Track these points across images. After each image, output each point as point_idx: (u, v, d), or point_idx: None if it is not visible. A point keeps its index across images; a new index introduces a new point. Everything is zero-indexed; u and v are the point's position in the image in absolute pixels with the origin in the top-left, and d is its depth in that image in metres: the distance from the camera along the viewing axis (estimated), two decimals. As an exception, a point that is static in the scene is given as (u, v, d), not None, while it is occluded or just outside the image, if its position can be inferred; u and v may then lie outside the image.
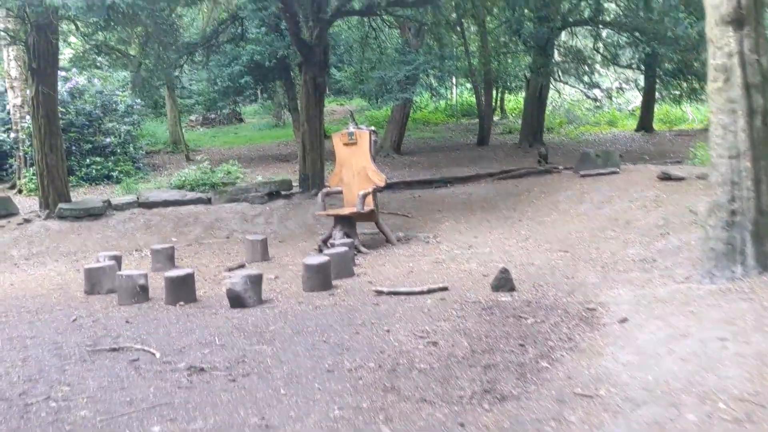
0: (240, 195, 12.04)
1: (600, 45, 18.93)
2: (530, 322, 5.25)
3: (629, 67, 19.19)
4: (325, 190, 9.41)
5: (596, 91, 29.80)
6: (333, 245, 8.65)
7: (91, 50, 22.93)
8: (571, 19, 17.55)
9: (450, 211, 10.90)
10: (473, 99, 30.66)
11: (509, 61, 25.36)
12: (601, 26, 17.72)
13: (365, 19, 21.47)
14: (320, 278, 6.93)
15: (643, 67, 17.85)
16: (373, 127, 9.38)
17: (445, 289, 6.48)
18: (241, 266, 8.60)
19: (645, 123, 23.59)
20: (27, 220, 11.21)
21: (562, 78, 20.67)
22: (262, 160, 20.00)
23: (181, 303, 6.72)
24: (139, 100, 18.43)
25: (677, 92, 22.61)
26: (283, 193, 12.20)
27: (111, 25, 11.84)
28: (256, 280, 6.56)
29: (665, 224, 7.84)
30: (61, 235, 10.72)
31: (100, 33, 17.62)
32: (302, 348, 5.01)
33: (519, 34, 16.86)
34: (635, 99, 29.41)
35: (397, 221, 10.53)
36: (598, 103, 29.24)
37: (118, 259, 8.39)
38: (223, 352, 5.03)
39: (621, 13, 16.94)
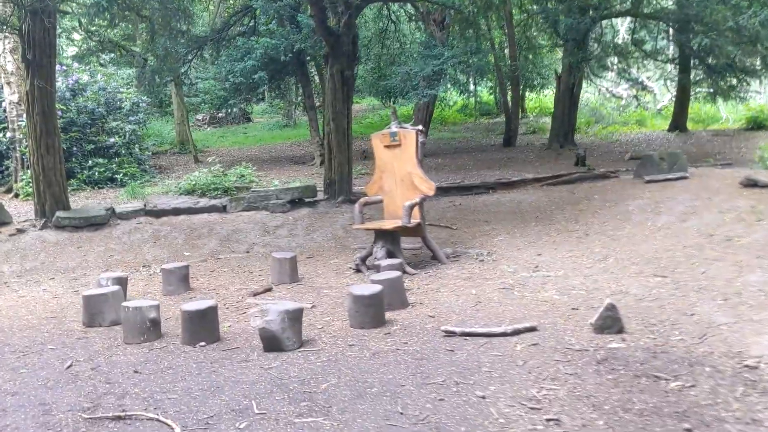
0: (259, 202, 10.74)
1: (642, 37, 17.54)
2: (675, 387, 3.93)
3: (671, 61, 17.82)
4: (362, 200, 8.09)
5: (622, 90, 28.55)
6: (376, 265, 7.36)
7: (95, 47, 21.69)
8: (611, 9, 16.20)
9: (500, 223, 9.58)
10: (491, 98, 29.45)
11: (533, 57, 24.11)
12: (645, 18, 16.38)
13: (385, 11, 20.23)
14: (372, 312, 5.62)
15: (678, 62, 16.41)
16: (420, 126, 8.06)
17: (533, 329, 5.17)
18: (268, 290, 7.30)
19: (678, 122, 22.23)
20: (20, 230, 9.95)
21: (598, 73, 19.30)
22: (275, 162, 18.71)
23: (202, 343, 5.41)
24: (145, 97, 17.12)
25: (712, 90, 21.29)
26: (306, 200, 10.91)
27: (115, 13, 10.58)
28: (295, 317, 5.25)
29: (781, 243, 6.53)
30: (59, 248, 9.44)
31: (102, 27, 16.46)
32: (372, 424, 3.71)
33: (556, 26, 15.50)
34: (663, 98, 28.10)
35: (440, 234, 9.22)
36: (624, 102, 27.96)
37: (123, 282, 7.09)
38: (266, 427, 3.73)
39: (668, 2, 15.57)
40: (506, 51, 22.29)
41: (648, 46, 17.80)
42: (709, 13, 12.45)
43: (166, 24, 10.22)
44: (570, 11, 14.54)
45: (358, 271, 7.83)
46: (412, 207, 7.56)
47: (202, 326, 5.46)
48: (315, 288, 7.28)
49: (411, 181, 7.83)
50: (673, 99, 26.83)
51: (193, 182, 12.78)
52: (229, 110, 23.41)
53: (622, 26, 19.34)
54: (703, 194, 8.72)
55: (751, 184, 8.82)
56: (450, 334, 5.20)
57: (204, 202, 10.92)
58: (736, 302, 5.39)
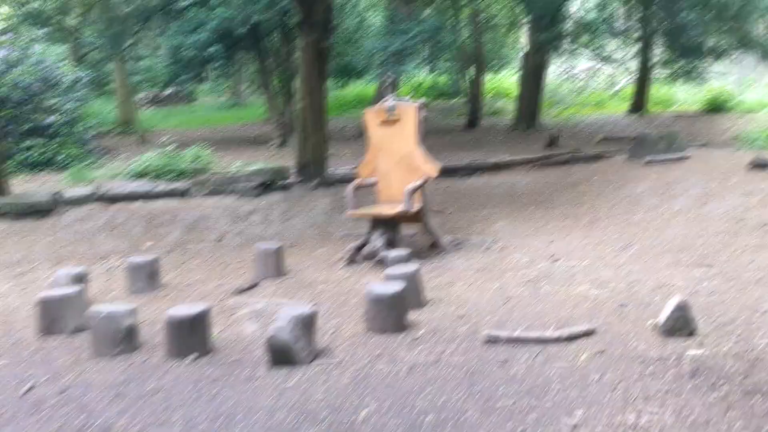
0: (226, 186, 9.70)
1: (611, 14, 17.04)
2: (805, 409, 3.23)
3: (639, 40, 17.39)
4: (355, 182, 7.20)
5: (579, 71, 28.21)
6: (379, 256, 6.51)
7: (24, 20, 19.93)
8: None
9: (497, 207, 8.84)
10: (443, 78, 28.68)
11: (492, 37, 23.50)
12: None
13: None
14: (394, 314, 4.77)
15: (667, 41, 15.97)
16: (422, 99, 7.19)
17: (590, 333, 4.42)
18: (254, 286, 6.36)
19: (639, 104, 21.93)
20: (-49, 219, 8.67)
21: (572, 51, 18.76)
22: (228, 143, 17.49)
23: (193, 356, 4.47)
24: (88, 72, 15.71)
25: (673, 71, 21.06)
26: (279, 183, 9.91)
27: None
28: (308, 323, 4.36)
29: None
30: (-2, 240, 8.24)
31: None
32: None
33: (527, 2, 14.80)
34: (620, 80, 27.89)
35: (433, 220, 8.39)
36: (582, 83, 27.62)
37: (83, 279, 6.04)
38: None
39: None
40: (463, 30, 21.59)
41: (617, 25, 17.31)
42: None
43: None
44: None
45: (352, 262, 6.96)
46: (414, 190, 6.73)
47: (192, 335, 4.52)
48: (307, 283, 6.38)
49: (411, 161, 6.98)
50: (630, 82, 26.67)
51: (145, 164, 11.60)
52: (180, 88, 21.95)
53: (589, 2, 18.81)
54: (715, 176, 8.16)
55: (760, 164, 8.31)
56: (493, 340, 4.40)
57: (163, 186, 9.80)
58: (810, 297, 4.77)
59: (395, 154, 7.06)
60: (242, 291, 6.22)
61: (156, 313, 5.61)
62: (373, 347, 4.49)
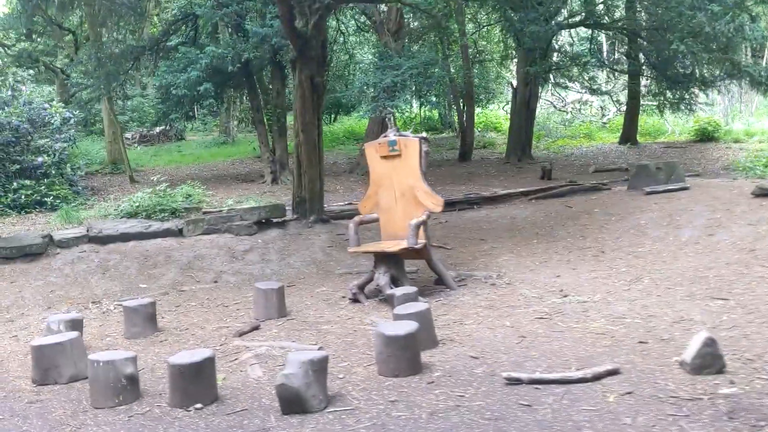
0: (221, 224, 9.49)
1: (597, 47, 17.16)
2: None
3: (627, 72, 17.49)
4: (357, 219, 7.03)
5: (567, 104, 28.44)
6: (386, 294, 6.33)
7: (12, 62, 19.83)
8: (573, 18, 15.75)
9: (498, 241, 8.68)
10: (435, 112, 28.85)
11: (480, 70, 23.62)
12: (608, 28, 15.99)
13: (333, 22, 19.27)
14: (408, 356, 4.57)
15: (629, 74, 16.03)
16: (424, 134, 7.07)
17: (615, 372, 4.23)
18: (255, 328, 6.14)
19: (629, 135, 22.01)
20: (-62, 264, 8.40)
21: (562, 84, 18.84)
22: (219, 181, 17.33)
23: (198, 405, 4.23)
24: (77, 112, 15.55)
25: (661, 102, 21.20)
26: (275, 221, 9.72)
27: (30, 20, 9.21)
28: (320, 368, 4.15)
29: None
30: (-13, 284, 7.97)
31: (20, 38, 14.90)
32: None
33: (519, 34, 14.83)
34: (608, 111, 28.09)
35: (436, 255, 8.22)
36: (569, 116, 27.81)
37: (78, 325, 5.80)
38: None
39: (639, 9, 15.12)
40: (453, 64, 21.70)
41: (606, 57, 17.41)
42: (685, 19, 12.00)
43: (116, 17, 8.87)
44: (535, 19, 13.90)
45: (355, 301, 6.75)
46: (419, 225, 6.56)
47: (197, 383, 4.29)
48: (310, 323, 6.16)
49: (413, 195, 6.83)
50: (618, 113, 26.86)
51: (136, 204, 11.37)
52: (169, 126, 21.82)
53: (576, 36, 18.95)
54: (719, 206, 8.06)
55: (764, 193, 8.22)
56: (514, 382, 4.21)
57: (156, 225, 9.57)
58: (835, 330, 4.61)
59: (397, 189, 6.91)
60: (243, 334, 6.00)
61: (155, 359, 5.39)
62: (387, 392, 4.28)
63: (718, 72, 14.72)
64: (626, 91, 21.59)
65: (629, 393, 3.91)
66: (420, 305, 5.26)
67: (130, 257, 8.65)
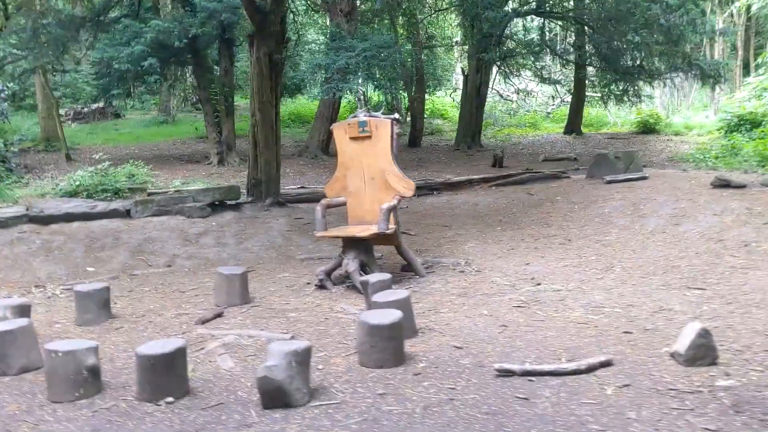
0: (172, 206, 9.05)
1: (552, 36, 17.22)
2: None
3: (588, 64, 17.63)
4: (324, 202, 6.74)
5: (511, 93, 28.64)
6: (360, 281, 6.09)
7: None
8: (528, 6, 15.73)
9: (463, 227, 8.53)
10: (383, 97, 28.62)
11: (428, 57, 23.48)
12: (562, 18, 16.02)
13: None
14: (392, 347, 4.35)
15: (604, 63, 16.19)
16: (396, 115, 6.81)
17: (608, 363, 4.12)
18: (219, 315, 5.80)
19: (574, 125, 22.30)
20: None
21: (513, 72, 18.85)
22: (162, 161, 16.66)
23: (169, 399, 3.91)
24: (10, 84, 14.65)
25: (606, 93, 21.55)
26: (229, 203, 9.33)
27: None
28: (304, 359, 3.89)
29: (812, 249, 5.91)
30: None
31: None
32: None
33: (475, 20, 14.72)
34: (552, 102, 28.42)
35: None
36: (515, 105, 28.04)
37: (26, 311, 5.35)
38: None
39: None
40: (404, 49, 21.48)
41: (559, 47, 17.51)
42: (641, 10, 12.09)
43: None
44: (492, 4, 13.82)
45: (322, 287, 6.48)
46: (390, 210, 6.33)
47: (168, 376, 3.96)
48: (277, 311, 5.87)
49: (384, 179, 6.59)
50: (562, 104, 27.21)
51: (77, 183, 10.76)
52: (108, 103, 20.90)
53: (529, 25, 18.97)
54: (681, 196, 8.11)
55: (723, 184, 8.33)
56: (506, 373, 4.04)
57: (103, 206, 9.04)
58: (819, 321, 4.62)
59: (367, 172, 6.65)
60: (206, 321, 5.66)
61: (113, 349, 5.02)
62: (373, 384, 4.05)
63: (668, 64, 14.94)
64: (573, 81, 21.81)
65: (627, 385, 3.79)
66: (399, 293, 5.03)
67: (75, 239, 8.14)
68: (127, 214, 8.99)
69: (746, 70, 25.10)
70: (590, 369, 4.03)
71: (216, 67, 16.45)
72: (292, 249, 8.12)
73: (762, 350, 4.22)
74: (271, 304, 6.11)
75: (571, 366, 4.04)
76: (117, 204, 9.16)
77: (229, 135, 15.84)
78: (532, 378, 3.97)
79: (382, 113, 6.85)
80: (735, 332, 4.55)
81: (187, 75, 19.22)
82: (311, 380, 4.04)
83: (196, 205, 9.04)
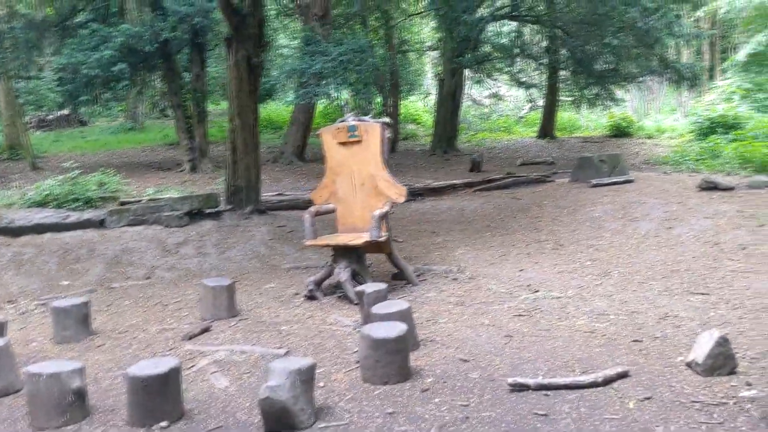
0: (149, 215, 8.72)
1: (526, 40, 17.20)
2: None
3: (563, 68, 17.64)
4: (313, 209, 6.50)
5: (484, 98, 28.68)
6: (340, 289, 5.86)
7: None
8: (502, 12, 15.67)
9: (450, 233, 8.36)
10: (357, 102, 28.37)
11: (402, 62, 23.36)
12: (537, 23, 15.99)
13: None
14: (398, 361, 4.13)
15: (578, 67, 16.21)
16: (387, 118, 6.60)
17: (625, 375, 3.95)
18: (206, 330, 5.53)
19: (547, 129, 22.35)
20: None
21: (492, 75, 18.79)
22: (132, 169, 16.23)
23: (163, 424, 3.65)
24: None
25: (573, 98, 21.65)
26: (208, 211, 9.02)
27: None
28: (308, 378, 3.66)
29: (812, 251, 5.85)
30: None
31: None
32: None
33: (452, 24, 14.57)
34: (524, 106, 28.51)
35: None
36: (488, 110, 28.08)
37: (1, 329, 5.03)
38: None
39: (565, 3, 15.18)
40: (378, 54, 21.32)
41: (535, 51, 17.49)
42: (618, 13, 12.09)
43: None
44: (468, 8, 13.71)
45: (311, 298, 6.24)
46: (383, 216, 6.12)
47: (162, 398, 3.69)
48: (267, 324, 5.61)
49: (374, 185, 6.38)
50: (533, 109, 27.31)
51: (45, 192, 10.33)
52: (74, 110, 20.34)
53: (502, 29, 18.94)
54: (671, 199, 8.04)
55: (711, 187, 8.29)
56: (520, 388, 3.85)
57: (75, 216, 8.68)
58: (832, 325, 4.52)
59: (357, 178, 6.44)
60: (193, 336, 5.39)
61: (97, 368, 4.72)
62: (381, 402, 3.83)
63: (643, 68, 15.00)
64: (546, 85, 21.85)
65: (648, 398, 3.63)
66: (399, 303, 4.82)
67: (47, 251, 7.78)
68: (101, 224, 8.64)
69: (711, 73, 25.46)
70: (607, 381, 3.86)
71: (186, 73, 16.08)
72: (276, 258, 7.85)
73: (779, 358, 4.09)
74: (260, 316, 5.85)
75: (588, 379, 3.86)
76: (90, 214, 8.80)
77: (201, 141, 15.49)
78: (548, 392, 3.79)
79: (371, 117, 6.62)
80: (748, 339, 4.43)
81: (157, 80, 18.75)
82: (315, 399, 3.81)
83: (174, 214, 8.71)
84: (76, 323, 5.44)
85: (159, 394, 3.68)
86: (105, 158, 18.74)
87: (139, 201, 9.82)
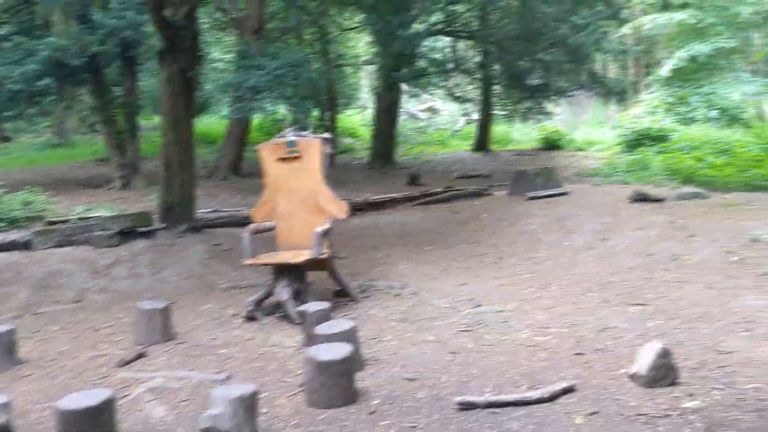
0: (78, 235, 8.36)
1: (460, 55, 17.43)
2: None
3: (496, 83, 17.93)
4: (252, 227, 6.35)
5: (418, 111, 28.94)
6: (281, 309, 5.73)
7: None
8: (437, 27, 15.84)
9: (391, 248, 8.32)
10: (291, 116, 28.19)
11: (337, 76, 23.37)
12: (470, 38, 16.23)
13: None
14: (344, 383, 4.04)
15: (512, 82, 16.52)
16: (327, 134, 6.52)
17: (571, 390, 3.96)
18: (141, 356, 5.30)
19: (482, 143, 22.68)
20: None
21: (427, 90, 18.93)
22: (60, 186, 15.61)
23: (97, 460, 3.45)
24: None
25: (507, 111, 22.09)
26: (140, 230, 8.72)
27: None
28: (250, 405, 3.53)
29: (741, 261, 6.03)
30: None
31: None
32: None
33: (388, 40, 14.64)
34: (459, 120, 28.87)
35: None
36: (423, 123, 28.32)
37: None
38: None
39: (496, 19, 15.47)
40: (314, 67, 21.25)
41: (466, 66, 17.74)
42: (549, 30, 12.37)
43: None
44: (403, 23, 13.81)
45: (251, 318, 6.07)
46: (324, 233, 6.03)
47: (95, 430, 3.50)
48: (204, 347, 5.43)
49: (315, 201, 6.29)
50: (468, 122, 27.69)
51: (-35, 213, 9.88)
52: (0, 125, 19.50)
53: (438, 44, 19.16)
54: (602, 211, 8.22)
55: (641, 198, 8.52)
56: (468, 406, 3.81)
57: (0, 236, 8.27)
58: (765, 332, 4.66)
59: (297, 194, 6.33)
60: (127, 363, 5.16)
61: (24, 401, 4.45)
62: (327, 427, 3.73)
63: (573, 82, 15.39)
64: (481, 100, 22.19)
65: (595, 413, 3.65)
66: (343, 323, 4.73)
67: (-33, 275, 7.36)
68: (26, 245, 8.24)
69: (635, 87, 26.38)
70: (553, 397, 3.86)
71: (117, 87, 15.64)
72: (213, 278, 7.64)
73: (716, 367, 4.18)
74: (198, 339, 5.65)
75: (535, 395, 3.86)
76: (15, 235, 8.40)
77: (133, 157, 15.06)
78: (496, 410, 3.76)
79: (311, 132, 6.53)
80: (686, 349, 4.52)
81: (86, 95, 18.16)
82: (258, 426, 3.67)
83: (105, 234, 8.38)
84: (1, 352, 5.15)
85: (91, 428, 3.48)
86: (31, 176, 18.00)
87: (68, 220, 9.47)
